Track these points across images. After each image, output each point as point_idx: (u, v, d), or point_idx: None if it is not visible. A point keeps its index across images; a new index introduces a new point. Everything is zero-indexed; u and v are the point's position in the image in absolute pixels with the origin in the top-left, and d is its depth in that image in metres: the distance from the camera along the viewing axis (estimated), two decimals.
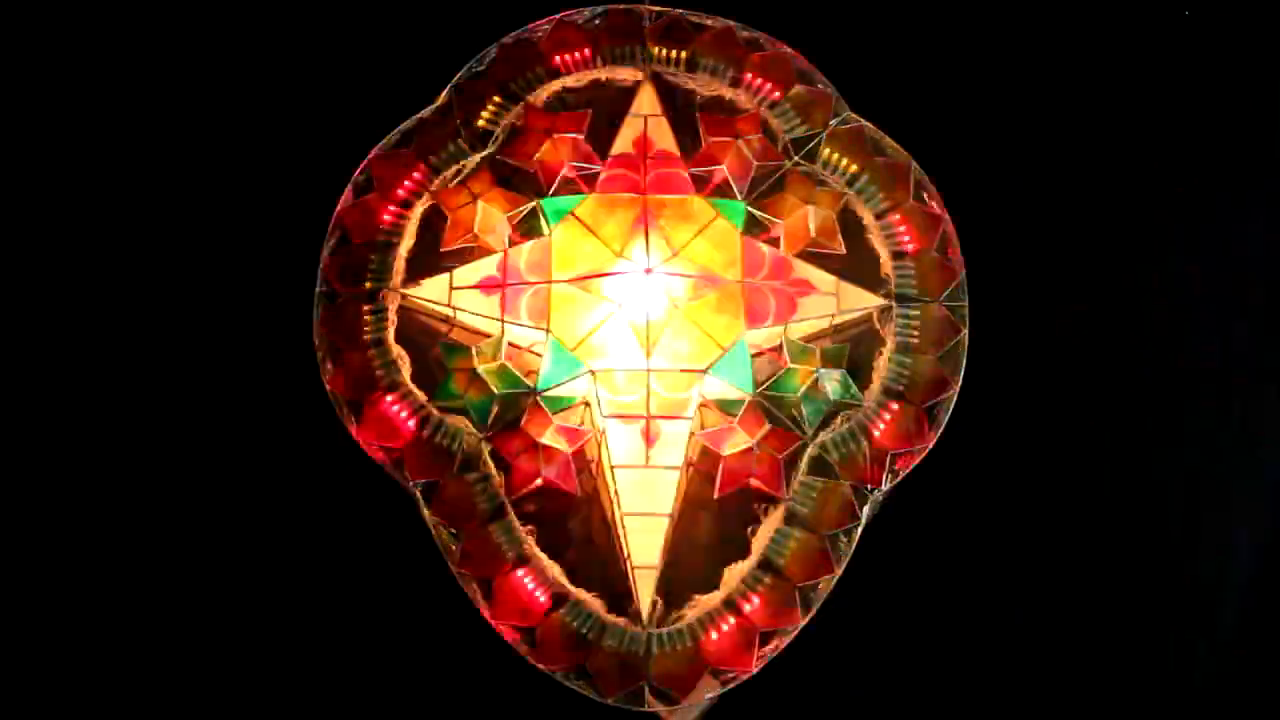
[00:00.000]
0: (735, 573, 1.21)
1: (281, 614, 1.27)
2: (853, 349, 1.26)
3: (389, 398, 1.23)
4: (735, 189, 1.28)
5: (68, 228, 1.33)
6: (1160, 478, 1.33)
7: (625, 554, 1.20)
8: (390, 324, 1.25)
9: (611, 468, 1.21)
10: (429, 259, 1.26)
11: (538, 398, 1.22)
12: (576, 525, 1.22)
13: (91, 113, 1.35)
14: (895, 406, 1.25)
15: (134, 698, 1.26)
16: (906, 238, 1.28)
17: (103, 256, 1.33)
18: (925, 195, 1.29)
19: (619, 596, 1.20)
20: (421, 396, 1.23)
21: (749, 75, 1.30)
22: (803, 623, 1.19)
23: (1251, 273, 1.37)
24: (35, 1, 1.37)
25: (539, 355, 1.23)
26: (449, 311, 1.25)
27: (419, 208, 1.27)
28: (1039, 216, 1.37)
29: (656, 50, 1.31)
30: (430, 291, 1.25)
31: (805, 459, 1.23)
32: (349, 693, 1.26)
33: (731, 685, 1.19)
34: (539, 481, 1.22)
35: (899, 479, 1.23)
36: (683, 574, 1.20)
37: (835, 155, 1.29)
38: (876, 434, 1.24)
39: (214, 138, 1.35)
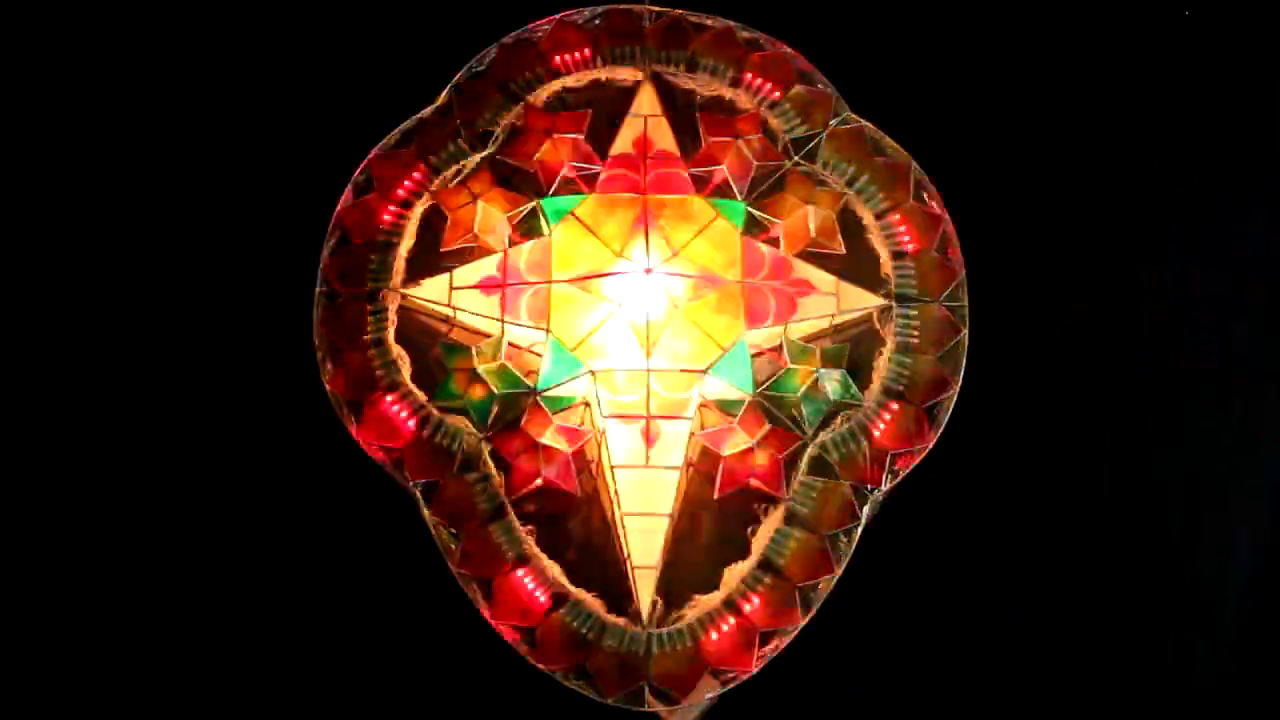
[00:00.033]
0: (735, 573, 1.21)
1: (282, 614, 1.27)
2: (853, 349, 1.26)
3: (389, 398, 1.23)
4: (735, 189, 1.28)
5: (68, 228, 1.33)
6: (1160, 478, 1.33)
7: (625, 554, 1.20)
8: (390, 324, 1.25)
9: (611, 468, 1.21)
10: (429, 259, 1.26)
11: (538, 398, 1.22)
12: (576, 525, 1.22)
13: (92, 113, 1.35)
14: (895, 406, 1.25)
15: (134, 697, 1.26)
16: (906, 238, 1.28)
17: (103, 257, 1.33)
18: (925, 195, 1.29)
19: (619, 596, 1.20)
20: (421, 396, 1.23)
21: (749, 75, 1.30)
22: (803, 623, 1.19)
23: (1251, 273, 1.37)
24: (36, 1, 1.37)
25: (539, 355, 1.23)
26: (449, 311, 1.25)
27: (419, 208, 1.27)
28: (1039, 216, 1.37)
29: (656, 50, 1.30)
30: (430, 291, 1.25)
31: (805, 459, 1.23)
32: (349, 693, 1.26)
33: (731, 685, 1.19)
34: (539, 481, 1.22)
35: (899, 479, 1.23)
36: (683, 574, 1.20)
37: (835, 155, 1.29)
38: (876, 434, 1.24)
39: (214, 138, 1.35)
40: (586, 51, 1.30)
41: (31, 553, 1.28)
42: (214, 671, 1.26)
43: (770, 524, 1.22)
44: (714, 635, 1.19)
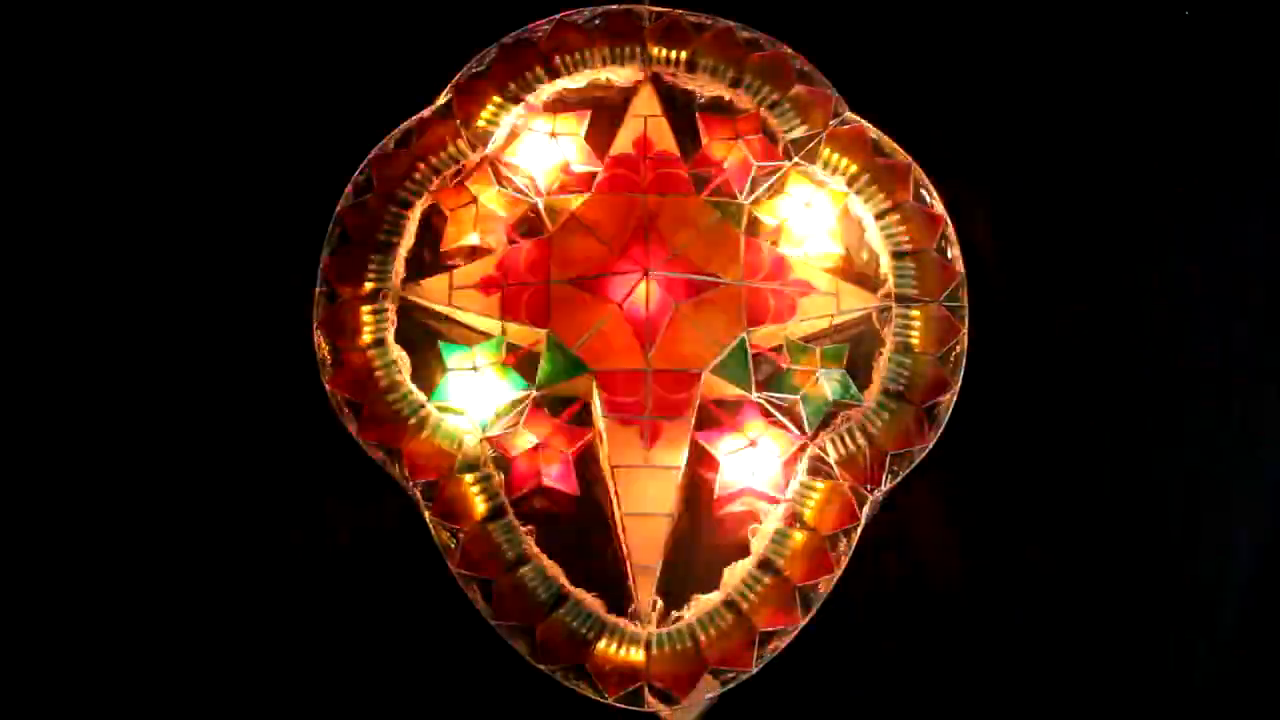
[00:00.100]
0: (735, 573, 1.21)
1: (282, 614, 1.27)
2: (853, 349, 1.26)
3: (389, 398, 1.23)
4: (735, 189, 1.28)
5: (69, 228, 1.33)
6: (1160, 478, 1.33)
7: (625, 554, 1.20)
8: (390, 324, 1.25)
9: (611, 468, 1.21)
10: (429, 259, 1.27)
11: (538, 398, 1.22)
12: (576, 525, 1.22)
13: (92, 113, 1.35)
14: (895, 406, 1.25)
15: (135, 697, 1.26)
16: (906, 238, 1.28)
17: (104, 257, 1.32)
18: (925, 195, 1.29)
19: (619, 596, 1.20)
20: (421, 396, 1.23)
21: (749, 75, 1.30)
22: (803, 623, 1.19)
23: (1251, 273, 1.37)
24: (36, 2, 1.37)
25: (539, 355, 1.23)
26: (449, 311, 1.25)
27: (419, 208, 1.27)
28: (1039, 217, 1.37)
29: (656, 50, 1.31)
30: (430, 291, 1.25)
31: (805, 459, 1.23)
32: (350, 693, 1.26)
33: (731, 685, 1.19)
34: (539, 481, 1.22)
35: (899, 479, 1.23)
36: (683, 574, 1.21)
37: (835, 155, 1.29)
38: (876, 434, 1.24)
39: (215, 138, 1.35)
40: (586, 51, 1.30)
41: (32, 552, 1.28)
42: (215, 671, 1.26)
43: (770, 524, 1.22)
44: (714, 635, 1.19)
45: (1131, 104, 1.40)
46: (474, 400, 1.23)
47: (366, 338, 1.24)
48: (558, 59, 1.30)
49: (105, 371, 1.30)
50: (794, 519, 1.22)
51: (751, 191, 1.28)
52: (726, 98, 1.31)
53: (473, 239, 1.26)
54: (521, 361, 1.23)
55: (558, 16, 1.30)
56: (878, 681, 1.29)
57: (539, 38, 1.30)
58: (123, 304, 1.31)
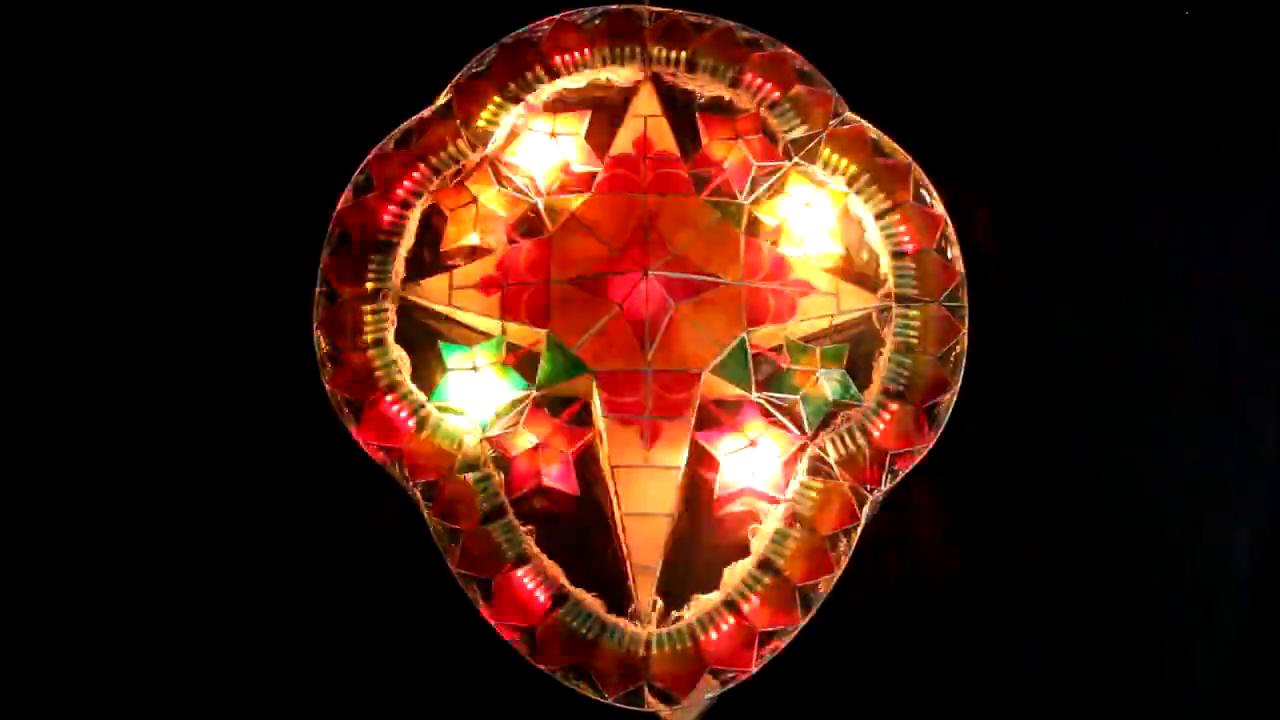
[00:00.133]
0: (735, 573, 1.21)
1: (282, 614, 1.27)
2: (853, 349, 1.26)
3: (389, 398, 1.23)
4: (735, 189, 1.28)
5: (69, 228, 1.33)
6: (1160, 478, 1.33)
7: (625, 554, 1.20)
8: (390, 324, 1.25)
9: (612, 468, 1.21)
10: (429, 259, 1.27)
11: (538, 398, 1.22)
12: (576, 525, 1.22)
13: (92, 113, 1.35)
14: (895, 406, 1.25)
15: (135, 697, 1.26)
16: (906, 238, 1.28)
17: (104, 257, 1.32)
18: (925, 195, 1.29)
19: (619, 596, 1.20)
20: (421, 396, 1.23)
21: (749, 75, 1.30)
22: (803, 623, 1.19)
23: (1251, 273, 1.37)
24: (36, 2, 1.37)
25: (539, 355, 1.23)
26: (449, 311, 1.25)
27: (419, 208, 1.27)
28: (1039, 217, 1.37)
29: (656, 50, 1.30)
30: (430, 291, 1.25)
31: (805, 459, 1.23)
32: (350, 693, 1.26)
33: (731, 685, 1.19)
34: (539, 481, 1.22)
35: (899, 479, 1.23)
36: (683, 574, 1.20)
37: (835, 155, 1.29)
38: (876, 434, 1.24)
39: (215, 138, 1.35)
40: (586, 51, 1.30)
41: (33, 552, 1.28)
42: (215, 671, 1.26)
43: (770, 524, 1.22)
44: (714, 635, 1.19)
45: (1131, 104, 1.39)
46: (474, 400, 1.23)
47: (366, 338, 1.24)
48: (558, 59, 1.30)
49: (105, 371, 1.30)
50: (794, 519, 1.22)
51: (751, 191, 1.28)
52: (726, 98, 1.31)
53: (473, 239, 1.26)
54: (521, 361, 1.23)
55: (558, 16, 1.30)
56: (878, 681, 1.29)
57: (539, 38, 1.30)
58: (123, 304, 1.31)
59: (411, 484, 1.21)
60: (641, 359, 1.22)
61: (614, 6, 1.31)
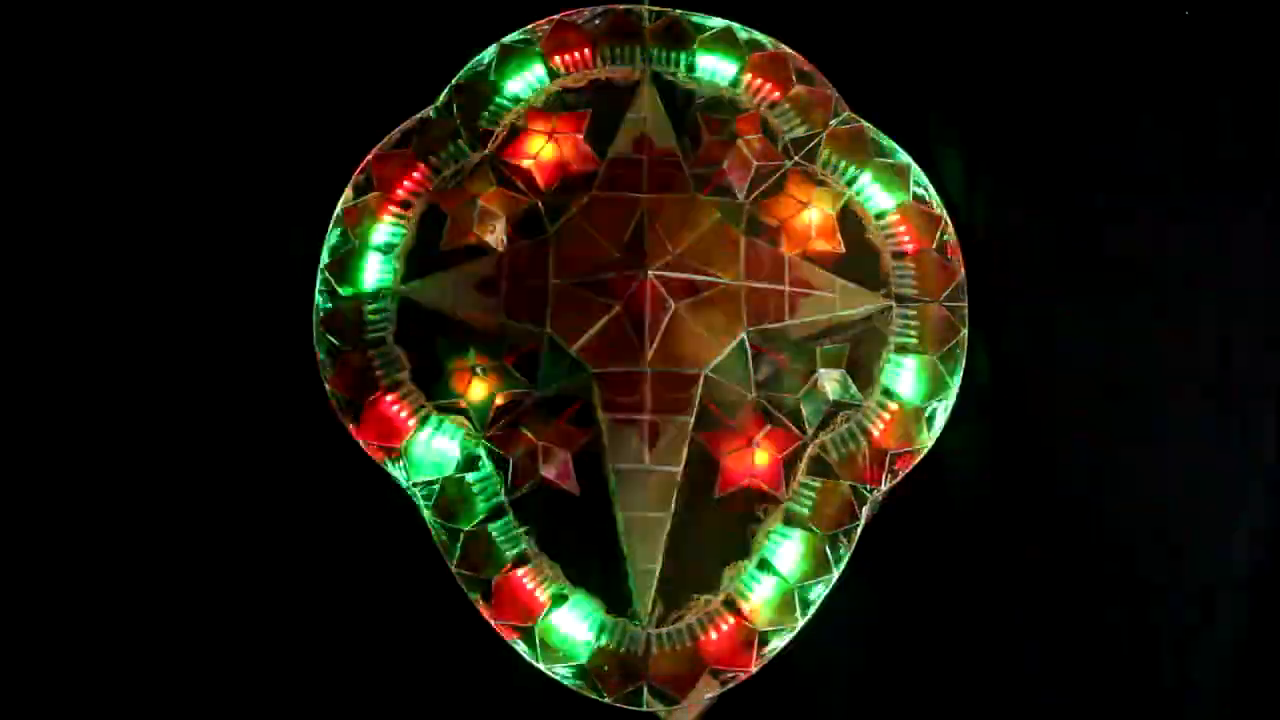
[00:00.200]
0: (735, 573, 1.21)
1: (282, 614, 1.27)
2: (853, 349, 1.26)
3: (389, 398, 1.23)
4: (735, 189, 1.28)
5: (68, 228, 1.33)
6: (1160, 478, 1.33)
7: (625, 554, 1.20)
8: (390, 324, 1.25)
9: (611, 468, 1.21)
10: (429, 259, 1.26)
11: (538, 398, 1.22)
12: (576, 525, 1.22)
13: (92, 113, 1.35)
14: (895, 406, 1.25)
15: (135, 697, 1.26)
16: (906, 238, 1.28)
17: (104, 257, 1.32)
18: (925, 195, 1.29)
19: (619, 596, 1.20)
20: (421, 396, 1.23)
21: (749, 75, 1.30)
22: (802, 623, 1.19)
23: (1251, 273, 1.37)
24: (36, 1, 1.37)
25: (539, 355, 1.23)
26: (449, 311, 1.25)
27: (419, 208, 1.27)
28: (1039, 217, 1.37)
29: (656, 50, 1.30)
30: (430, 291, 1.25)
31: (805, 459, 1.23)
32: (349, 693, 1.26)
33: (731, 685, 1.19)
34: (539, 481, 1.22)
35: (899, 479, 1.23)
36: (683, 574, 1.20)
37: (835, 155, 1.29)
38: (876, 434, 1.24)
39: (215, 138, 1.35)
40: (586, 51, 1.30)
41: (33, 553, 1.28)
42: (215, 671, 1.26)
43: (770, 524, 1.22)
44: (714, 635, 1.19)
45: (1132, 104, 1.39)
46: (474, 400, 1.23)
47: (366, 338, 1.24)
48: (557, 59, 1.30)
49: (105, 372, 1.30)
50: (794, 519, 1.22)
51: (751, 191, 1.28)
52: (726, 98, 1.31)
53: (473, 239, 1.26)
54: (521, 361, 1.23)
55: (558, 16, 1.30)
56: (878, 681, 1.29)
57: (539, 38, 1.30)
58: (122, 304, 1.31)
59: (411, 484, 1.21)
60: (641, 359, 1.22)
61: (614, 6, 1.31)
